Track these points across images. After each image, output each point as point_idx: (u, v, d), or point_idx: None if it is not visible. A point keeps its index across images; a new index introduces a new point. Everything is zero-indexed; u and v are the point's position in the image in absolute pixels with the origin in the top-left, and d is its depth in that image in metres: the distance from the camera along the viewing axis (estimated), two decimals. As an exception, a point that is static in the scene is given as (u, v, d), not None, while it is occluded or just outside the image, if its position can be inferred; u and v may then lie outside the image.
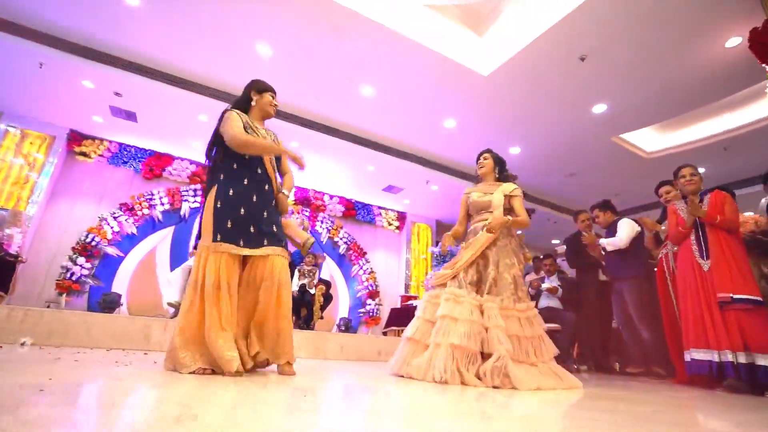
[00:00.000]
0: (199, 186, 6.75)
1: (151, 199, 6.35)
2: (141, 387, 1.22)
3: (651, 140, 6.36)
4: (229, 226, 1.79)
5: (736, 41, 4.02)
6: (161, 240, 6.43)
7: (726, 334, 2.51)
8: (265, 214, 1.91)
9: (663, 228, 3.35)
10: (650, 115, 5.29)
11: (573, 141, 6.08)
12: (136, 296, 6.02)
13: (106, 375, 1.42)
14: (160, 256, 6.35)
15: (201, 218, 1.89)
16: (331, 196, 8.19)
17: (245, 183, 1.90)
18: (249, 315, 1.82)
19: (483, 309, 2.25)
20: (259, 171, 1.96)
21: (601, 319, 4.19)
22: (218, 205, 1.81)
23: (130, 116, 5.66)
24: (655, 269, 3.88)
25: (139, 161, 6.46)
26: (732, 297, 2.54)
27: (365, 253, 8.44)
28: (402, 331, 6.06)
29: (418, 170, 6.88)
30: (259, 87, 2.11)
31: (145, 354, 2.58)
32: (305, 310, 5.20)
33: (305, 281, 5.45)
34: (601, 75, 4.59)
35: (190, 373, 1.55)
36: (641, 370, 3.75)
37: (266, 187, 1.97)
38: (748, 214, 3.20)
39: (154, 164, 6.51)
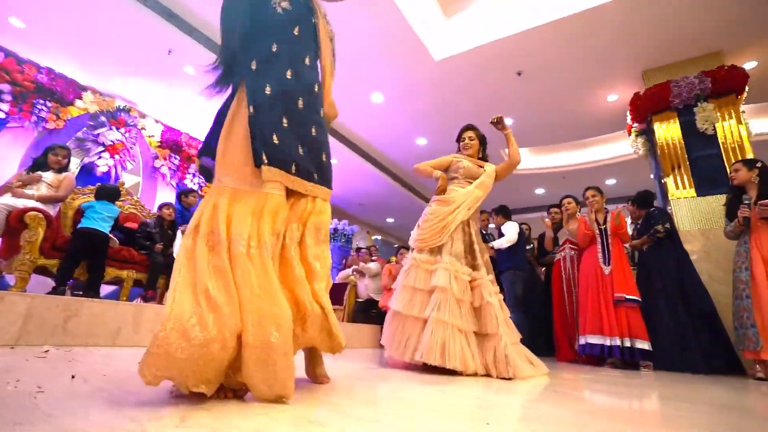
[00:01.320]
0: (8, 87, 4.49)
1: None
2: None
3: (523, 159, 7.60)
4: (275, 140, 1.09)
5: (614, 97, 5.14)
6: None
7: (617, 325, 3.21)
8: (313, 130, 1.21)
9: (573, 227, 4.00)
10: (540, 137, 6.30)
11: (472, 145, 6.69)
12: None
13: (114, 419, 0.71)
14: None
15: (214, 136, 1.17)
16: (209, 146, 6.78)
17: (288, 77, 1.18)
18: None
19: (476, 284, 2.22)
20: (308, 61, 1.26)
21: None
22: (251, 111, 1.10)
23: None
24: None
25: None
26: (625, 297, 3.25)
27: (239, 219, 7.36)
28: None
29: (324, 139, 6.35)
30: None
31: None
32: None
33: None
34: (522, 92, 5.18)
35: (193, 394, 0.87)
36: None
37: (316, 88, 1.27)
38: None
39: None
